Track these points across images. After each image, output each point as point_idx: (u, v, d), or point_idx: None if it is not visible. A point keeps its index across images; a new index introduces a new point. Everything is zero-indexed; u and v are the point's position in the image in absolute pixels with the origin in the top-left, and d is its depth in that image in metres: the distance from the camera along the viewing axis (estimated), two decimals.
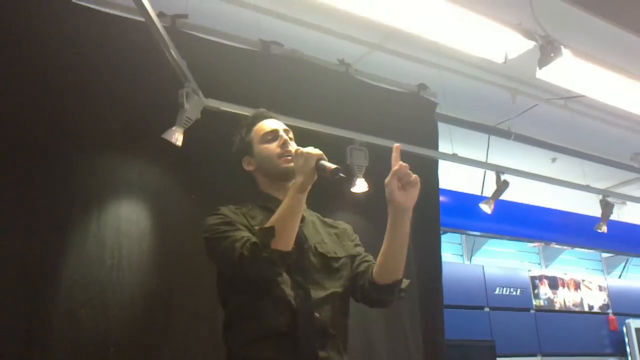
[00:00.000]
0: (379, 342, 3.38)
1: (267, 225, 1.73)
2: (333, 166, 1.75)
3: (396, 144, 1.81)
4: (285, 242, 1.71)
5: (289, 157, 1.93)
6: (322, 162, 1.77)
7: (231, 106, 3.03)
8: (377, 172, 3.49)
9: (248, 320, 1.81)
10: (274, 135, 2.02)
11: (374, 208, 3.34)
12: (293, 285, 1.82)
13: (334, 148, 3.33)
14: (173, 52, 2.58)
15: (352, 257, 2.01)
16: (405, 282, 1.92)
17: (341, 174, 1.73)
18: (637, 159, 5.79)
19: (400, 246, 1.84)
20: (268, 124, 2.06)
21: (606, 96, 3.84)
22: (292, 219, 1.75)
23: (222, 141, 3.02)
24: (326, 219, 2.14)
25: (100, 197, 2.76)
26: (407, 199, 1.78)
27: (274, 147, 1.99)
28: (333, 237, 2.05)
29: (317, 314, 1.81)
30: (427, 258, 3.79)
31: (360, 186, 3.37)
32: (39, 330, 2.45)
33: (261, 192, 2.03)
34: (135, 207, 2.84)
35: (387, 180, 1.77)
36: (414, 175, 1.77)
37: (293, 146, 1.97)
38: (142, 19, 2.44)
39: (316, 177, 1.78)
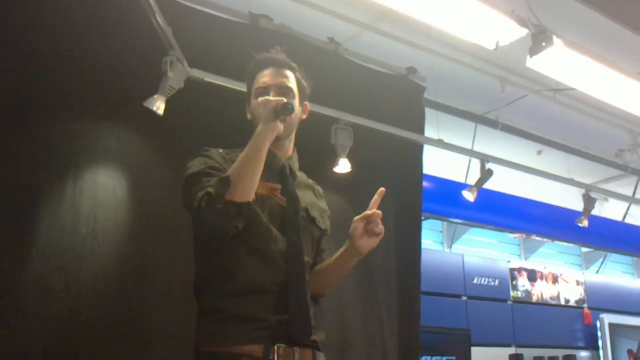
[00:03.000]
0: (354, 326, 3.37)
1: (223, 174, 1.67)
2: (280, 103, 1.71)
3: (381, 188, 1.79)
4: (242, 193, 1.64)
5: None
6: (280, 104, 1.71)
7: (216, 77, 2.98)
8: (361, 152, 3.50)
9: (229, 274, 1.72)
10: (264, 91, 1.90)
11: (356, 188, 3.32)
12: (283, 242, 1.76)
13: (318, 126, 3.33)
14: (159, 18, 2.53)
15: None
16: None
17: (289, 106, 1.71)
18: (622, 155, 5.81)
19: (336, 276, 1.95)
20: (263, 77, 1.93)
21: (595, 90, 3.84)
22: (250, 168, 1.67)
23: (205, 112, 3.02)
24: (311, 182, 2.08)
25: (78, 164, 2.70)
26: (364, 244, 1.79)
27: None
28: (319, 204, 2.00)
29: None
30: (406, 243, 3.78)
31: (343, 166, 3.34)
32: (7, 297, 2.39)
33: None
34: (113, 176, 2.78)
35: (356, 217, 1.79)
36: (381, 227, 1.77)
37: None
38: None
39: (277, 125, 1.73)
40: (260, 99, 1.80)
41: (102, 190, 2.73)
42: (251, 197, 1.67)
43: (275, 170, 1.87)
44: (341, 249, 1.85)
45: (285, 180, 1.87)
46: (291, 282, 1.73)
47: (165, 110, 2.67)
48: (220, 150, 1.87)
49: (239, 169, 1.67)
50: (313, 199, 1.98)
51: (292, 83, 1.95)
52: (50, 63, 2.68)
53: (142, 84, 2.71)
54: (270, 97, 1.78)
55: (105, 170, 2.77)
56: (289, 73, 1.96)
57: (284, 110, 1.70)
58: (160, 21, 2.54)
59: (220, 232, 1.68)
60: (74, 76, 2.73)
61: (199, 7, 3.19)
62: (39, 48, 2.66)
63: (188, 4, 3.15)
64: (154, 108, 2.63)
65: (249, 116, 2.00)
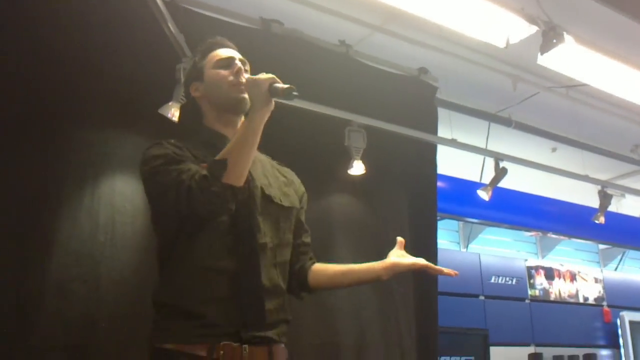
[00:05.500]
0: (371, 326, 3.38)
1: (219, 157, 1.64)
2: (285, 86, 1.67)
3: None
4: (237, 177, 1.64)
5: (241, 87, 1.82)
6: (275, 85, 1.68)
7: None
8: (375, 154, 3.51)
9: (179, 262, 1.71)
10: (228, 62, 1.90)
11: (370, 190, 3.33)
12: (236, 228, 1.72)
13: (332, 129, 3.34)
14: (171, 26, 2.56)
15: (298, 225, 1.97)
16: None
17: (294, 93, 1.67)
18: (637, 151, 5.77)
19: (347, 284, 2.00)
20: (224, 52, 1.93)
21: (608, 86, 3.82)
22: (246, 151, 1.66)
23: None
24: (276, 164, 2.04)
25: (95, 172, 2.73)
26: (391, 274, 1.90)
27: (226, 73, 1.87)
28: (280, 183, 1.95)
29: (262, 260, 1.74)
30: (422, 244, 3.76)
31: (357, 168, 3.34)
32: (29, 304, 2.43)
33: (205, 126, 1.92)
34: (130, 183, 2.80)
35: (409, 261, 1.90)
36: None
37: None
38: None
39: (272, 105, 1.69)
40: (246, 77, 1.81)
41: (119, 198, 2.76)
42: (244, 180, 1.67)
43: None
44: (369, 265, 1.90)
45: None
46: (242, 272, 1.69)
47: (180, 116, 2.70)
48: (172, 141, 1.82)
49: (235, 151, 1.65)
50: (269, 178, 1.91)
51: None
52: (67, 73, 2.72)
53: (157, 92, 2.74)
54: (261, 76, 1.71)
55: (122, 178, 2.79)
56: None
57: (290, 92, 1.66)
58: (172, 29, 2.57)
59: (211, 214, 1.67)
60: (91, 86, 2.77)
61: (210, 14, 3.21)
62: (56, 59, 2.70)
63: (199, 10, 3.17)
64: (169, 115, 2.65)
65: (196, 94, 1.95)
